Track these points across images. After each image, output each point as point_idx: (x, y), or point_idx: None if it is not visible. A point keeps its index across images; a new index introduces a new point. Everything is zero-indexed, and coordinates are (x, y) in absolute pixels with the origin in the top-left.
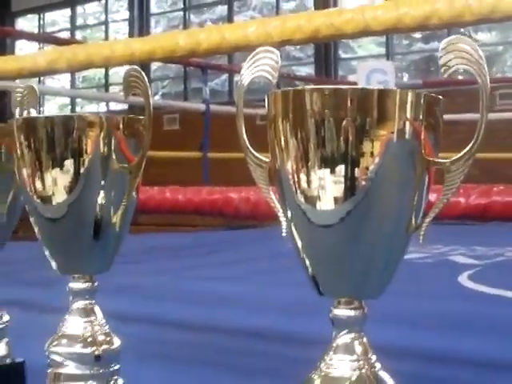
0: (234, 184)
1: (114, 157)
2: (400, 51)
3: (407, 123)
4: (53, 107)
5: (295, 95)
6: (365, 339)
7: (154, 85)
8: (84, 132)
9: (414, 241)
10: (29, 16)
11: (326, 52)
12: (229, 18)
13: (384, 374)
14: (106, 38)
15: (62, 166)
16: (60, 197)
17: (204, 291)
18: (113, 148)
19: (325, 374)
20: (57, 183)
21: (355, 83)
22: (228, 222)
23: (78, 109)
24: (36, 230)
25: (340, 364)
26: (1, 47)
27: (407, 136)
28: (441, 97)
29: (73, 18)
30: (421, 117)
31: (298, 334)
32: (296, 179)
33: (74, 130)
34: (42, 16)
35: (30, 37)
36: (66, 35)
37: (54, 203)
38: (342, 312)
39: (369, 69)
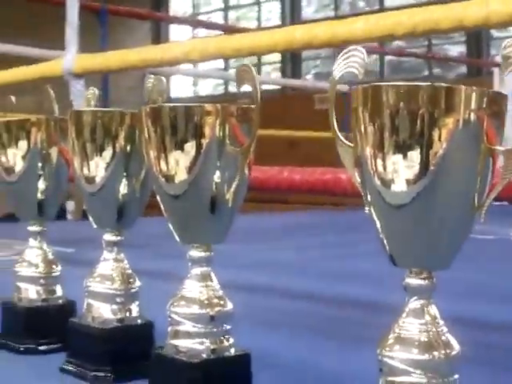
0: None
1: (227, 141)
2: None
3: (471, 115)
4: (208, 86)
5: (374, 90)
6: (433, 305)
7: (305, 64)
8: (203, 119)
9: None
10: None
11: (478, 30)
12: None
13: (450, 337)
14: (259, 18)
15: (183, 149)
16: (181, 176)
17: (333, 267)
18: (227, 133)
19: (397, 335)
20: (179, 164)
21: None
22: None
23: (230, 88)
24: (161, 206)
25: (410, 327)
26: (156, 29)
27: (471, 126)
28: (504, 92)
29: None
30: (484, 111)
31: None
32: (373, 164)
33: (194, 117)
34: None
35: (181, 21)
36: (219, 15)
37: (176, 182)
38: (413, 281)
39: None
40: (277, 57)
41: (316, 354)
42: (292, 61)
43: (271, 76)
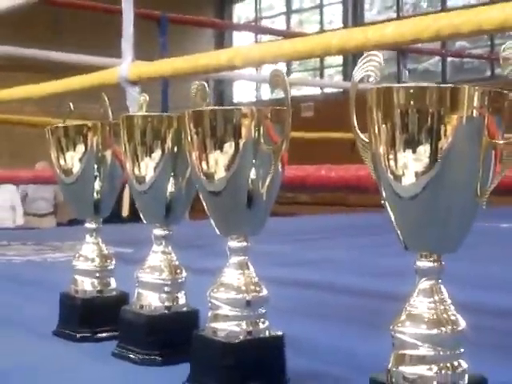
0: None
1: (262, 140)
2: None
3: (474, 113)
4: (268, 89)
5: (386, 91)
6: (442, 286)
7: None
8: (240, 121)
9: None
10: (246, 1)
11: None
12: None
13: (456, 315)
14: (321, 22)
15: (222, 149)
16: (220, 174)
17: (383, 265)
18: (262, 133)
19: (408, 312)
20: (218, 163)
21: None
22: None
23: (293, 91)
24: (203, 202)
25: (420, 305)
26: (219, 35)
27: (474, 123)
28: (505, 91)
29: (289, 2)
30: (485, 108)
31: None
32: (386, 159)
33: (232, 119)
34: (258, 1)
35: (241, 28)
36: (282, 19)
37: (215, 179)
38: (423, 264)
39: None
40: (339, 60)
41: (352, 341)
42: (354, 64)
43: (334, 79)
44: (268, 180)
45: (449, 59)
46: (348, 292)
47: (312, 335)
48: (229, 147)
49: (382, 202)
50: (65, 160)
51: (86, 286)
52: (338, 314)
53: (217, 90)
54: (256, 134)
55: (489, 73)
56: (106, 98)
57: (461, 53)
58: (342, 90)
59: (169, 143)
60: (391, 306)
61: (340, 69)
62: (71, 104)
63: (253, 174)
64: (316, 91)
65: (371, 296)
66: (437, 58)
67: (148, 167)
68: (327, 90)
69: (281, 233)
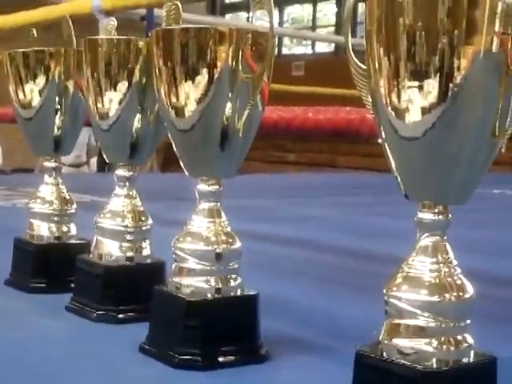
0: None
1: (240, 68)
2: None
3: (495, 36)
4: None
5: (388, 3)
6: (447, 244)
7: (360, 27)
8: (215, 43)
9: None
10: None
11: None
12: None
13: (463, 279)
14: None
15: (193, 76)
16: (191, 106)
17: (373, 225)
18: (240, 59)
19: (406, 274)
20: (188, 93)
21: None
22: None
23: (284, 50)
24: (171, 139)
25: (420, 265)
26: None
27: (494, 48)
28: None
29: None
30: (509, 30)
31: None
32: (387, 92)
33: (207, 40)
34: None
35: None
36: None
37: (185, 112)
38: (426, 216)
39: None
40: (332, 20)
41: (333, 302)
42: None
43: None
44: (245, 115)
45: None
46: (330, 250)
47: (289, 295)
48: (201, 74)
49: (381, 142)
50: (23, 90)
51: (43, 231)
52: (318, 273)
53: None
54: (234, 60)
55: None
56: (70, 22)
57: None
58: (333, 50)
59: (137, 72)
60: (373, 266)
61: (332, 29)
62: (34, 30)
63: (228, 107)
64: (307, 51)
65: (353, 256)
66: None
67: (113, 100)
68: (318, 50)
69: (267, 188)
